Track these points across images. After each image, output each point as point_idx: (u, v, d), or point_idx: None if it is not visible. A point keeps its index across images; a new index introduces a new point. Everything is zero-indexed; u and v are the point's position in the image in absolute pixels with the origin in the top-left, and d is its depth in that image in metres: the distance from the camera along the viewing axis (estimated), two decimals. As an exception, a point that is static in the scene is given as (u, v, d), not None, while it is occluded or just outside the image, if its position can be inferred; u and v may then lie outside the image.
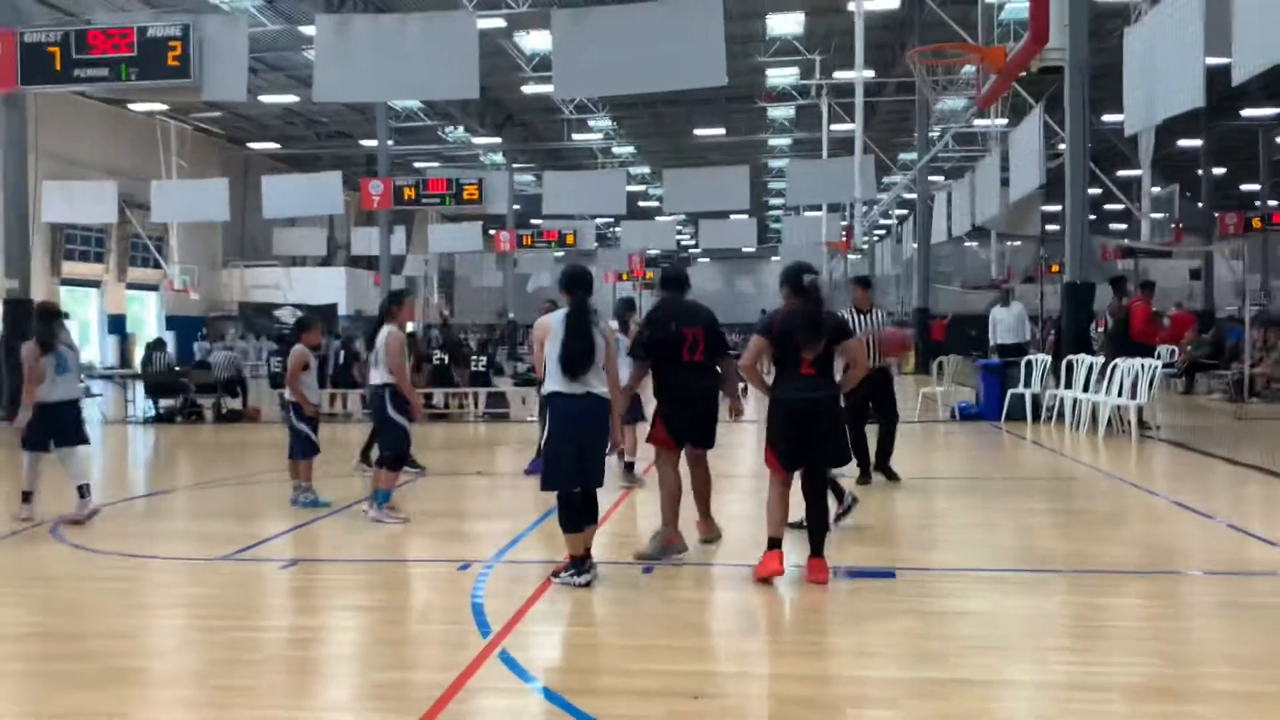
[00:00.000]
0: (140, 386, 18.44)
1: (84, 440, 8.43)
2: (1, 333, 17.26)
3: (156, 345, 19.28)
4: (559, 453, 5.84)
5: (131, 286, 35.98)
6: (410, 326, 7.87)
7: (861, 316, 9.17)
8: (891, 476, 9.34)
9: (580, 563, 5.87)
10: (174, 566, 6.74)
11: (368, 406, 10.78)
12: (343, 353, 16.75)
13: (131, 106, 32.08)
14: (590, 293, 6.01)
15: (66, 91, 21.63)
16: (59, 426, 8.16)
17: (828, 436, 5.95)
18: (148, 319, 36.99)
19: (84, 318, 33.51)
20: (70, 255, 32.52)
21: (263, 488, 10.04)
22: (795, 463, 5.98)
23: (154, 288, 36.96)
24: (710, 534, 7.00)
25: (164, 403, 17.67)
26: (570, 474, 5.82)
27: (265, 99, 32.41)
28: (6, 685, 4.55)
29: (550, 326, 5.88)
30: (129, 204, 30.21)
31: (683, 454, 6.81)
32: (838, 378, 6.17)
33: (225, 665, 4.70)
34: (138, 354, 29.81)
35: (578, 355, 5.76)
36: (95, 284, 34.33)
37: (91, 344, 33.69)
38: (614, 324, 10.31)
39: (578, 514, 5.86)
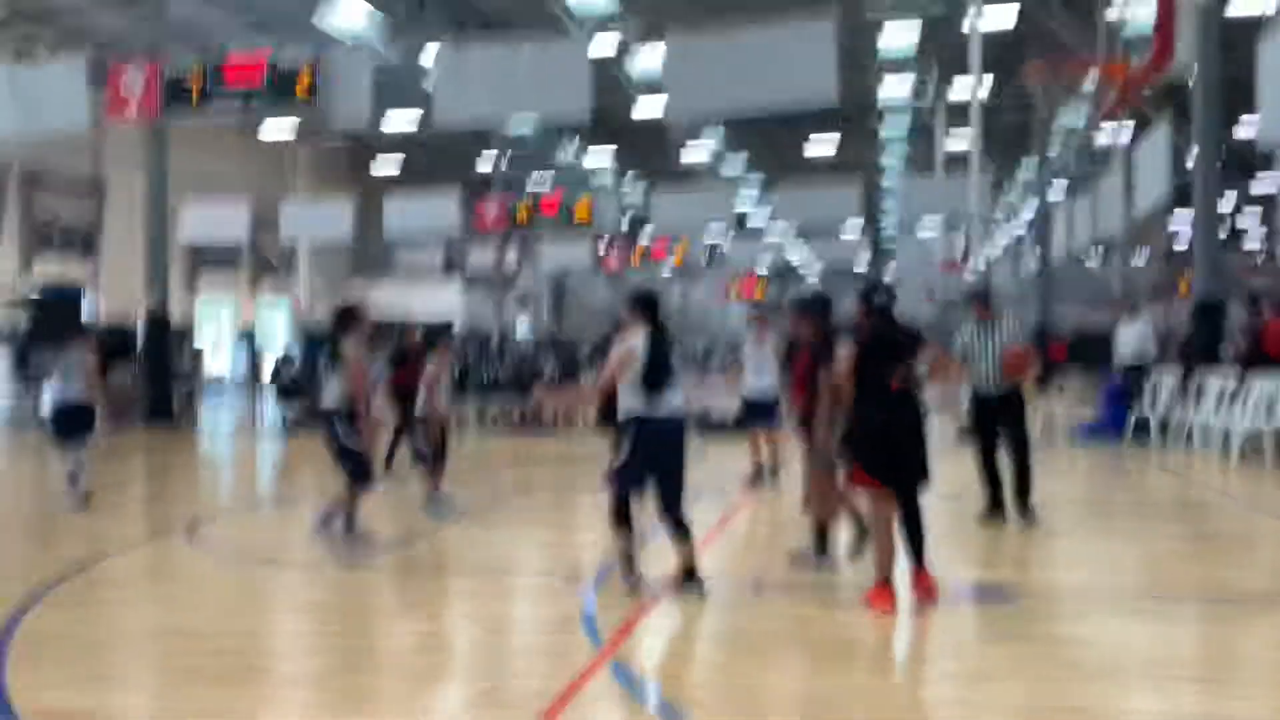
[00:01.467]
0: (269, 397, 19.22)
1: (87, 436, 9.32)
2: (141, 344, 18.25)
3: (285, 359, 20.11)
4: (632, 470, 5.87)
5: (261, 303, 37.84)
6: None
7: (982, 327, 8.39)
8: (1028, 517, 8.16)
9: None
10: (298, 572, 7.02)
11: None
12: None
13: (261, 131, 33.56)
14: (657, 314, 6.05)
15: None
16: (76, 424, 9.22)
17: (910, 455, 5.79)
18: (276, 333, 38.67)
19: (217, 333, 35.36)
20: (205, 273, 34.34)
21: (383, 496, 10.32)
22: (888, 476, 5.75)
23: (282, 304, 38.81)
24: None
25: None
26: (638, 483, 5.89)
27: (386, 124, 33.47)
28: (142, 678, 4.84)
29: (634, 348, 5.93)
30: (259, 224, 31.59)
31: None
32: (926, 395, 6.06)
33: (346, 669, 4.86)
34: (267, 367, 31.11)
35: (659, 376, 5.82)
36: (228, 300, 36.24)
37: (223, 357, 35.49)
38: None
39: (628, 515, 5.91)
